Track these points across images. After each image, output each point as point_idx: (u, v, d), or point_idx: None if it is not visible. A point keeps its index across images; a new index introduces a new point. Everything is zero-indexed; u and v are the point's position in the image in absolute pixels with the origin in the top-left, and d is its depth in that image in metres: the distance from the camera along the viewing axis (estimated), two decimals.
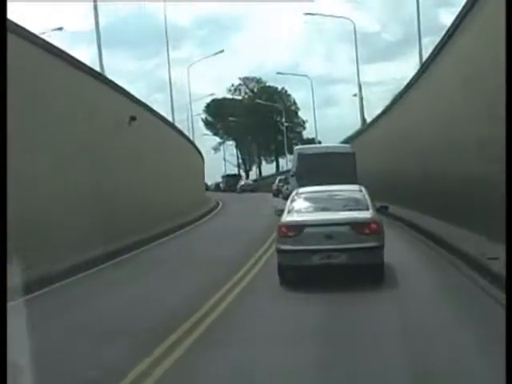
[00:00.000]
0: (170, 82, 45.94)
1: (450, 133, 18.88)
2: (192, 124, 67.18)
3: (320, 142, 62.54)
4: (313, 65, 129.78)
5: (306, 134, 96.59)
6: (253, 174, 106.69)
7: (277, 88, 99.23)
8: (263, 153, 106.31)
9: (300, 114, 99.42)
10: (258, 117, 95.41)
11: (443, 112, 19.61)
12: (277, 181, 59.92)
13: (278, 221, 12.55)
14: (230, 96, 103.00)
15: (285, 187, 46.59)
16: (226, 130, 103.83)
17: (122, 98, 24.34)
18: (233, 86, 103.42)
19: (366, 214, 12.06)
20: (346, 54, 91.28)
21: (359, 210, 12.32)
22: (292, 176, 28.45)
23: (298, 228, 11.82)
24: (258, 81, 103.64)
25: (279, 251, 12.01)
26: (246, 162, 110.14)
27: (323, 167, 24.31)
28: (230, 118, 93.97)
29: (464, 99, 16.86)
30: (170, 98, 43.76)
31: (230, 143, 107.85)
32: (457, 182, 17.93)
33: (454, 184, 18.27)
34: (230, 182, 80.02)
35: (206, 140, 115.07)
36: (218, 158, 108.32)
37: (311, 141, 73.53)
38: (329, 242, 11.57)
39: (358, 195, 12.94)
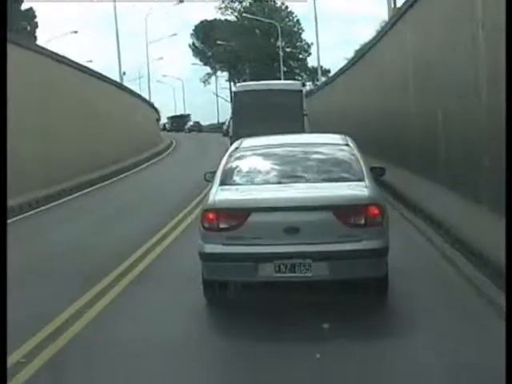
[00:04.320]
0: None
1: None
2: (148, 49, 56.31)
3: (328, 73, 54.21)
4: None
5: (311, 62, 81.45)
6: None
7: (275, 3, 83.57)
8: None
9: (304, 36, 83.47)
10: (253, 40, 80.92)
11: None
12: (228, 119, 54.54)
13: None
14: (221, 17, 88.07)
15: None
16: (218, 58, 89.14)
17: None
18: (223, 2, 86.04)
19: (360, 190, 6.89)
20: None
21: (347, 180, 7.14)
22: (231, 119, 23.69)
23: (238, 214, 6.67)
24: None
25: (204, 256, 6.81)
26: None
27: (262, 109, 19.59)
28: (219, 42, 79.90)
29: None
30: None
31: (224, 75, 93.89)
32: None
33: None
34: (176, 124, 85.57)
35: (195, 71, 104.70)
36: (209, 93, 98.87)
37: (316, 71, 59.50)
38: (293, 240, 6.52)
39: (343, 153, 7.64)
